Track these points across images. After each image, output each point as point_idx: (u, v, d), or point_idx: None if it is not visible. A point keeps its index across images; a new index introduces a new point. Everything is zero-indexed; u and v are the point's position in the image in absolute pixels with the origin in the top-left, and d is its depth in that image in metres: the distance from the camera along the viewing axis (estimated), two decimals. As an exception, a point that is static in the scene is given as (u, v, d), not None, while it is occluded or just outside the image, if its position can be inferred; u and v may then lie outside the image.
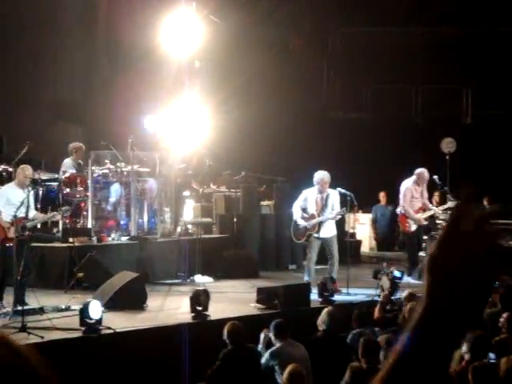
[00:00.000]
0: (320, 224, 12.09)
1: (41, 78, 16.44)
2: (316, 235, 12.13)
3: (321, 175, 12.19)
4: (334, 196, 12.26)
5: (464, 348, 6.83)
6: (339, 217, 12.37)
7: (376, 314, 9.50)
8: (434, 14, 18.60)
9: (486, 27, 18.83)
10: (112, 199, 13.32)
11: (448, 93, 19.36)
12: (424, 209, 13.68)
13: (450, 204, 13.72)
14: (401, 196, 13.70)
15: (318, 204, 12.20)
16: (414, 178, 13.64)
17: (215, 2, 16.41)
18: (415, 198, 13.63)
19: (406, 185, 13.65)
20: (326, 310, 8.47)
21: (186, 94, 14.99)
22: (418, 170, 13.63)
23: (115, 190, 13.40)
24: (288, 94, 18.56)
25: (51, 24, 16.38)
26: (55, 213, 10.93)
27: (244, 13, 17.35)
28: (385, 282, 10.61)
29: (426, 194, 13.76)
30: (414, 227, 13.58)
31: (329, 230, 12.15)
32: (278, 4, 18.59)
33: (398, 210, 13.83)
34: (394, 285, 10.58)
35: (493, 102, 19.02)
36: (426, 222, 13.72)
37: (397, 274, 10.86)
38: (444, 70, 18.89)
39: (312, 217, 12.14)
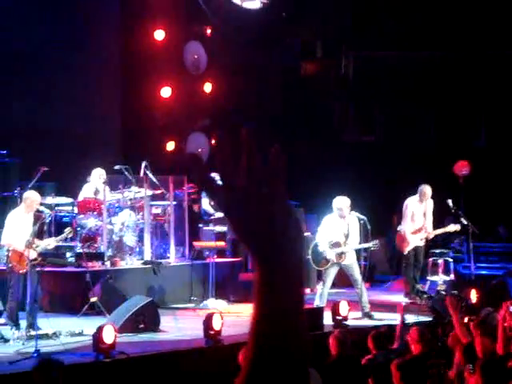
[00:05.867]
0: (345, 252, 11.98)
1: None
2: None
3: (341, 201, 12.01)
4: (354, 222, 12.17)
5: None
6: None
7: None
8: (446, 38, 18.60)
9: (495, 50, 18.79)
10: (124, 224, 13.29)
11: (461, 116, 19.29)
12: (422, 229, 13.32)
13: (452, 227, 13.52)
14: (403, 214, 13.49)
15: (342, 232, 12.03)
16: (417, 194, 13.39)
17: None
18: (416, 216, 13.30)
19: (408, 202, 13.45)
20: (332, 334, 8.36)
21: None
22: (421, 186, 13.39)
23: (125, 216, 13.31)
24: (299, 118, 18.60)
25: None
26: (50, 239, 10.93)
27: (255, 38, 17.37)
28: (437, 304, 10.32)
29: (429, 213, 13.31)
30: (408, 248, 13.35)
31: (350, 257, 12.01)
32: (288, 29, 18.64)
33: (399, 228, 13.62)
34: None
35: (507, 124, 18.91)
36: (421, 244, 13.34)
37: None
38: (457, 93, 18.85)
39: (337, 245, 12.03)
